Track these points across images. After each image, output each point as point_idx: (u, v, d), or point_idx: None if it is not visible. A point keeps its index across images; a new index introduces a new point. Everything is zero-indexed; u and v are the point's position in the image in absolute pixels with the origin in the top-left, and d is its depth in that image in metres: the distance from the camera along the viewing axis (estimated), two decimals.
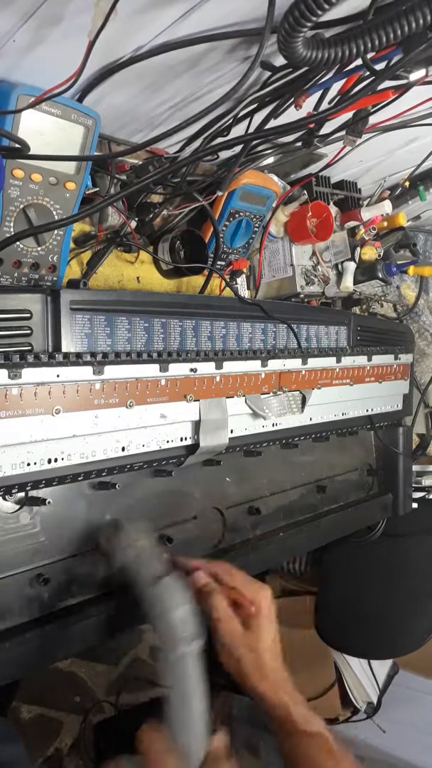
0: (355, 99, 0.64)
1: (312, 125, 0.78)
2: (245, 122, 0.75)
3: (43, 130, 0.66)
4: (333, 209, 1.12)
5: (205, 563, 0.73)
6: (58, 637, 0.69)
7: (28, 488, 0.64)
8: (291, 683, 0.67)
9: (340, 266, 1.17)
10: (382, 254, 1.20)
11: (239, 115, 0.72)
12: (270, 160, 0.94)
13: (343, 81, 0.67)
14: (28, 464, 0.62)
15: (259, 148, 0.85)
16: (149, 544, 0.69)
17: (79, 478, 0.69)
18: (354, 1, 0.57)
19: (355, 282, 1.18)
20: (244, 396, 0.84)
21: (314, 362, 0.94)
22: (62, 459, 0.64)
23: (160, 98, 0.73)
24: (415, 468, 1.43)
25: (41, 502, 0.69)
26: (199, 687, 0.59)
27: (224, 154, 0.85)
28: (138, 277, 0.95)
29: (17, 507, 0.69)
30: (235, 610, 0.69)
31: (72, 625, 0.71)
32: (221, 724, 1.27)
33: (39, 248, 0.73)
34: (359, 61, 0.59)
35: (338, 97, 0.69)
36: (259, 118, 0.74)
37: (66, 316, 0.67)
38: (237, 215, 0.98)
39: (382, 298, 1.37)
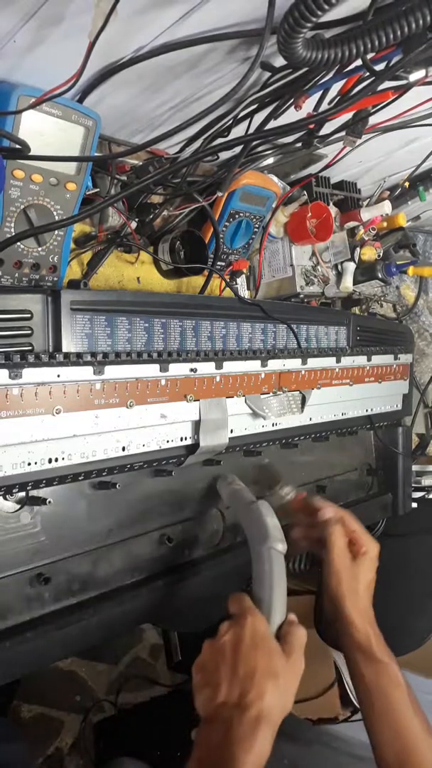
0: (355, 99, 0.64)
1: (312, 126, 0.78)
2: (245, 123, 0.75)
3: (44, 131, 0.66)
4: (333, 210, 1.12)
5: (335, 506, 0.84)
6: (58, 636, 0.69)
7: (28, 488, 0.65)
8: (375, 623, 0.77)
9: (339, 266, 1.17)
10: (381, 254, 1.20)
11: (239, 116, 0.72)
12: (270, 160, 0.94)
13: (343, 81, 0.67)
14: (29, 464, 0.62)
15: (259, 148, 0.85)
16: (288, 496, 0.90)
17: (80, 478, 0.69)
18: (354, 2, 0.57)
19: (355, 282, 1.18)
20: (244, 396, 0.84)
21: (314, 362, 0.94)
22: (63, 459, 0.65)
23: (160, 99, 0.74)
24: (415, 468, 1.43)
25: (42, 501, 0.69)
26: (283, 573, 0.70)
27: (224, 155, 0.85)
28: (138, 278, 0.95)
29: (18, 506, 0.69)
30: (350, 546, 0.80)
31: (72, 624, 0.71)
32: None
33: (39, 249, 0.73)
34: (359, 62, 0.59)
35: (338, 98, 0.69)
36: (259, 118, 0.74)
37: (66, 317, 0.67)
38: (237, 216, 0.98)
39: (382, 299, 1.37)
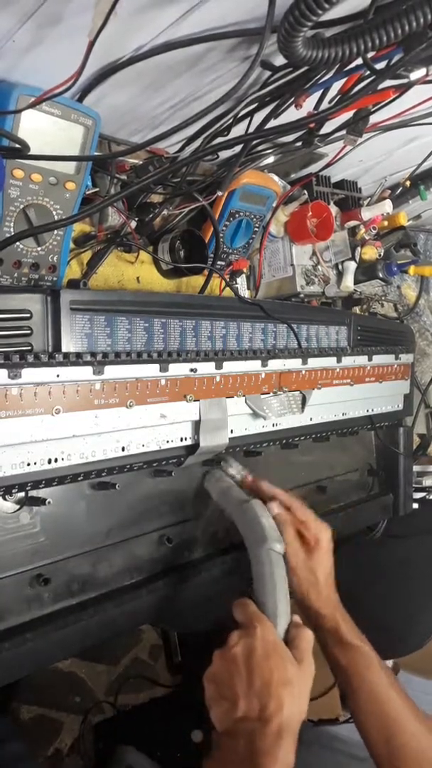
0: (355, 98, 0.64)
1: (312, 125, 0.78)
2: (245, 122, 0.75)
3: (43, 130, 0.66)
4: (333, 209, 1.12)
5: (282, 493, 0.83)
6: (57, 637, 0.69)
7: (28, 488, 0.64)
8: (342, 607, 0.80)
9: (340, 266, 1.17)
10: (382, 254, 1.19)
11: (239, 115, 0.72)
12: (270, 159, 0.94)
13: (344, 80, 0.67)
14: (28, 464, 0.62)
15: (259, 147, 0.84)
16: (234, 478, 0.86)
17: (79, 478, 0.69)
18: (354, 1, 0.57)
19: (356, 282, 1.18)
20: (244, 396, 0.83)
21: (314, 362, 0.94)
22: (62, 459, 0.64)
23: (160, 98, 0.73)
24: (416, 468, 1.43)
25: (41, 502, 0.69)
26: (284, 575, 0.71)
27: (224, 154, 0.85)
28: (138, 277, 0.95)
29: (17, 507, 0.69)
30: (301, 539, 0.80)
31: (72, 625, 0.71)
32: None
33: (39, 248, 0.73)
34: (359, 61, 0.59)
35: (338, 97, 0.69)
36: (259, 117, 0.74)
37: (66, 316, 0.67)
38: (237, 215, 0.98)
39: (383, 298, 1.37)
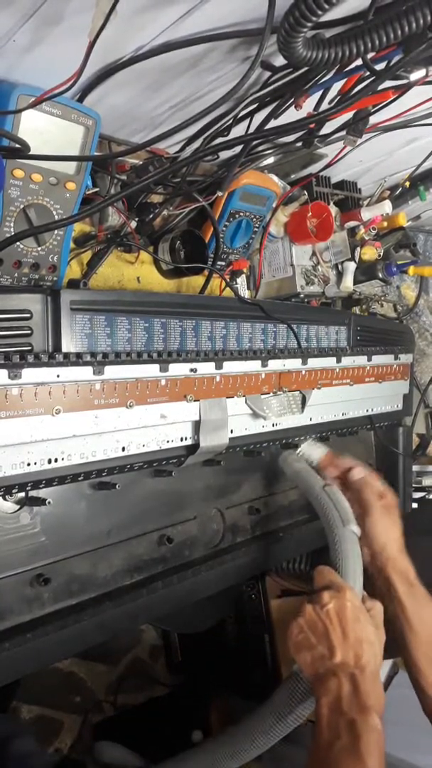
0: (355, 99, 0.64)
1: (312, 125, 0.78)
2: (245, 122, 0.75)
3: (44, 130, 0.66)
4: (333, 209, 1.12)
5: (361, 464, 0.97)
6: (58, 637, 0.69)
7: (28, 488, 0.64)
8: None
9: (340, 266, 1.17)
10: (382, 254, 1.19)
11: (239, 115, 0.72)
12: (270, 160, 0.94)
13: (344, 81, 0.67)
14: (28, 464, 0.62)
15: (260, 148, 0.85)
16: (312, 462, 0.97)
17: (79, 478, 0.69)
18: (354, 1, 0.57)
19: (355, 282, 1.18)
20: (244, 396, 0.84)
21: (314, 362, 0.94)
22: (62, 459, 0.64)
23: (160, 98, 0.73)
24: (415, 468, 1.43)
25: (41, 502, 0.69)
26: (359, 552, 0.82)
27: (224, 154, 0.85)
28: (138, 277, 0.95)
29: (17, 507, 0.69)
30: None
31: (72, 625, 0.71)
32: (221, 724, 1.27)
33: (39, 248, 0.73)
34: (359, 61, 0.59)
35: (338, 97, 0.69)
36: (259, 118, 0.74)
37: (66, 316, 0.67)
38: (237, 215, 0.98)
39: (382, 298, 1.37)
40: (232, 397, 0.82)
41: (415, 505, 1.33)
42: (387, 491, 0.95)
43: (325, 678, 0.69)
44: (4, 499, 0.68)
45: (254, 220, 1.01)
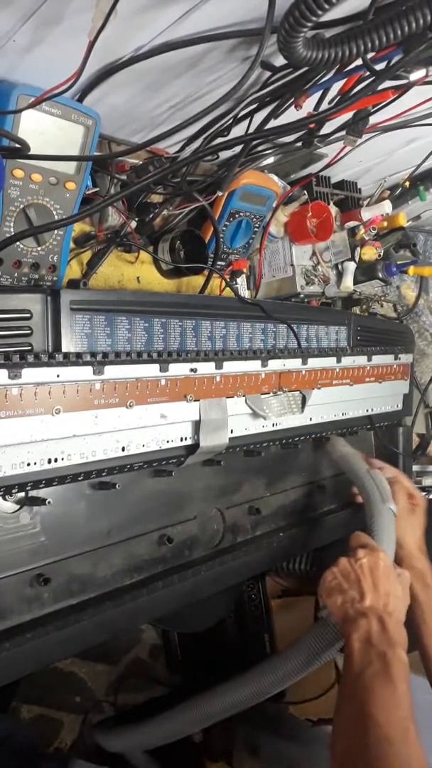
0: (355, 99, 0.64)
1: (312, 125, 0.78)
2: (245, 122, 0.75)
3: (43, 130, 0.66)
4: (333, 209, 1.12)
5: (388, 465, 1.07)
6: (58, 637, 0.69)
7: (28, 488, 0.64)
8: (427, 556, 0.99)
9: (340, 266, 1.17)
10: (382, 254, 1.19)
11: (239, 115, 0.72)
12: (270, 160, 0.94)
13: (344, 81, 0.67)
14: (28, 464, 0.62)
15: (260, 148, 0.85)
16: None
17: (79, 478, 0.69)
18: (354, 1, 0.57)
19: (355, 282, 1.18)
20: (244, 396, 0.84)
21: (314, 362, 0.94)
22: (62, 459, 0.64)
23: (160, 98, 0.73)
24: (415, 468, 1.43)
25: (41, 502, 0.69)
26: (394, 528, 0.90)
27: (224, 154, 0.85)
28: (138, 277, 0.95)
29: (17, 507, 0.69)
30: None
31: (72, 625, 0.71)
32: (221, 724, 1.27)
33: (39, 248, 0.73)
34: (359, 61, 0.59)
35: (338, 97, 0.69)
36: (259, 118, 0.74)
37: (66, 316, 0.67)
38: (237, 215, 0.98)
39: (382, 298, 1.37)
40: (232, 397, 0.82)
41: None
42: (416, 492, 1.02)
43: (355, 618, 0.74)
44: (4, 499, 0.68)
45: (254, 220, 1.01)
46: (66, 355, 0.64)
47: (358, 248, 1.16)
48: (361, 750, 0.62)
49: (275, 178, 1.01)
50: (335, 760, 0.65)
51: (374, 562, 0.80)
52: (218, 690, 0.84)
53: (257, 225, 1.03)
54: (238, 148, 0.78)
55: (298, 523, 1.06)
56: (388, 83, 0.64)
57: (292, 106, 0.70)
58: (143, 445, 0.72)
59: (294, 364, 0.90)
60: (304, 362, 0.92)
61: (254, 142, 0.80)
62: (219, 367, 0.79)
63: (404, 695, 0.66)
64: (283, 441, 0.96)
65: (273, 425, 0.89)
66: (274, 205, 1.03)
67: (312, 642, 0.78)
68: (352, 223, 1.14)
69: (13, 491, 0.63)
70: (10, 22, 0.56)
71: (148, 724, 1.00)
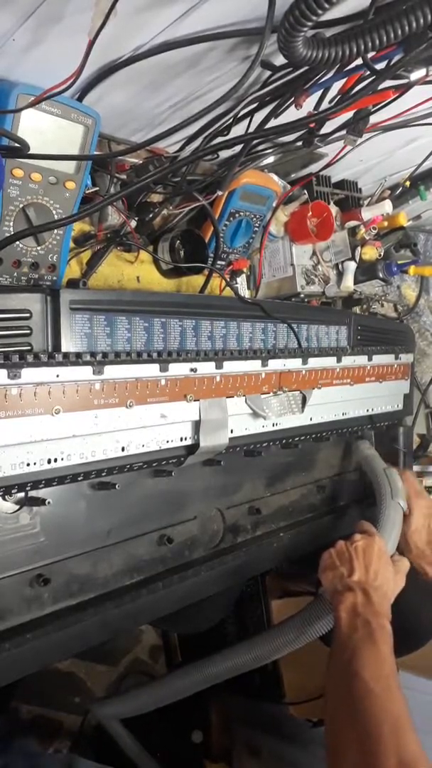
0: (355, 98, 0.64)
1: (312, 125, 0.78)
2: (245, 121, 0.75)
3: (43, 130, 0.66)
4: (333, 209, 1.12)
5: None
6: (57, 637, 0.69)
7: (27, 488, 0.64)
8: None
9: (340, 266, 1.17)
10: (382, 254, 1.19)
11: (239, 115, 0.72)
12: (270, 159, 0.94)
13: (344, 80, 0.67)
14: (28, 464, 0.61)
15: (260, 147, 0.84)
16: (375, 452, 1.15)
17: (79, 478, 0.68)
18: (354, 1, 0.57)
19: (356, 282, 1.18)
20: (244, 396, 0.83)
21: (314, 362, 0.93)
22: (62, 459, 0.64)
23: (160, 97, 0.73)
24: (416, 468, 1.43)
25: (41, 502, 0.69)
26: (401, 521, 0.97)
27: (224, 154, 0.85)
28: (138, 277, 0.95)
29: (17, 507, 0.69)
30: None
31: (71, 626, 0.71)
32: (221, 724, 1.27)
33: (38, 248, 0.73)
34: (360, 61, 0.59)
35: (339, 97, 0.69)
36: (259, 117, 0.74)
37: (66, 316, 0.67)
38: (237, 215, 0.98)
39: (383, 298, 1.37)
40: (232, 396, 0.82)
41: None
42: (423, 492, 1.07)
43: (342, 591, 0.81)
44: (4, 499, 0.68)
45: (254, 219, 1.01)
46: (66, 355, 0.64)
47: (359, 248, 1.16)
48: (349, 703, 0.68)
49: (275, 177, 1.01)
50: (327, 716, 0.72)
51: (368, 544, 0.86)
52: (220, 654, 0.90)
53: (257, 224, 1.03)
54: (238, 148, 0.78)
55: (298, 523, 1.06)
56: (388, 83, 0.64)
57: (293, 106, 0.70)
58: (143, 445, 0.72)
59: (294, 363, 0.90)
60: (305, 362, 0.92)
61: (254, 142, 0.80)
62: (219, 366, 0.79)
63: (387, 656, 0.73)
64: (284, 441, 0.96)
65: (273, 425, 0.89)
66: (274, 204, 1.03)
67: (306, 614, 0.85)
68: (352, 223, 1.14)
69: (13, 491, 0.63)
70: (10, 22, 0.55)
71: (144, 688, 1.06)
